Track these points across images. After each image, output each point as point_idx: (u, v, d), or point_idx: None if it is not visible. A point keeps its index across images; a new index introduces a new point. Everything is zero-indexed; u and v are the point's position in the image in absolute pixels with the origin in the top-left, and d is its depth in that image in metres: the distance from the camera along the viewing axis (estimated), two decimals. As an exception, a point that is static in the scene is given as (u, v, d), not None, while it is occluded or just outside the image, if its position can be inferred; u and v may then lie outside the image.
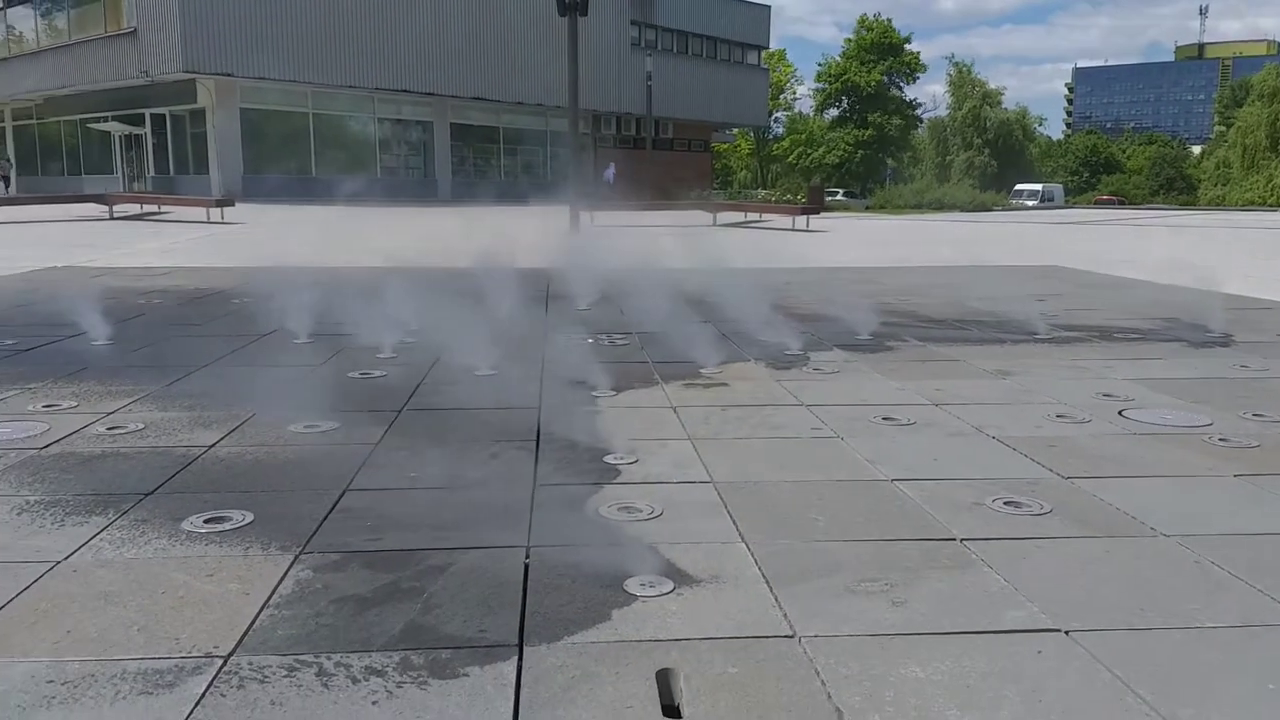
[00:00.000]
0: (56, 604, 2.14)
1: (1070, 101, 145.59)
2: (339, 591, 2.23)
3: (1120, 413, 4.06)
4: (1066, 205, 52.00)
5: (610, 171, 33.06)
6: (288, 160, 31.45)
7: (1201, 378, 4.88)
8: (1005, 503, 2.85)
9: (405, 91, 33.76)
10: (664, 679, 1.86)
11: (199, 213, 20.57)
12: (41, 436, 3.51)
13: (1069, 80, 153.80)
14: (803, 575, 2.33)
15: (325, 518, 2.71)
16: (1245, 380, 4.84)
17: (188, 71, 28.78)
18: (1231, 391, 4.53)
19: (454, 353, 4.80)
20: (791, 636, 2.01)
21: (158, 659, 1.89)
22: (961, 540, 2.56)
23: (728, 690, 1.81)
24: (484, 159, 37.65)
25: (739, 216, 24.71)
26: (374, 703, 1.75)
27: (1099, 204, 57.24)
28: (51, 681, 1.81)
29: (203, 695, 1.77)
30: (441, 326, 5.21)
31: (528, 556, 2.41)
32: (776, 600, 2.18)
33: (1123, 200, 61.88)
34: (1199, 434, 3.70)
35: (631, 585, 2.24)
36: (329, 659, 1.91)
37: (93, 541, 2.51)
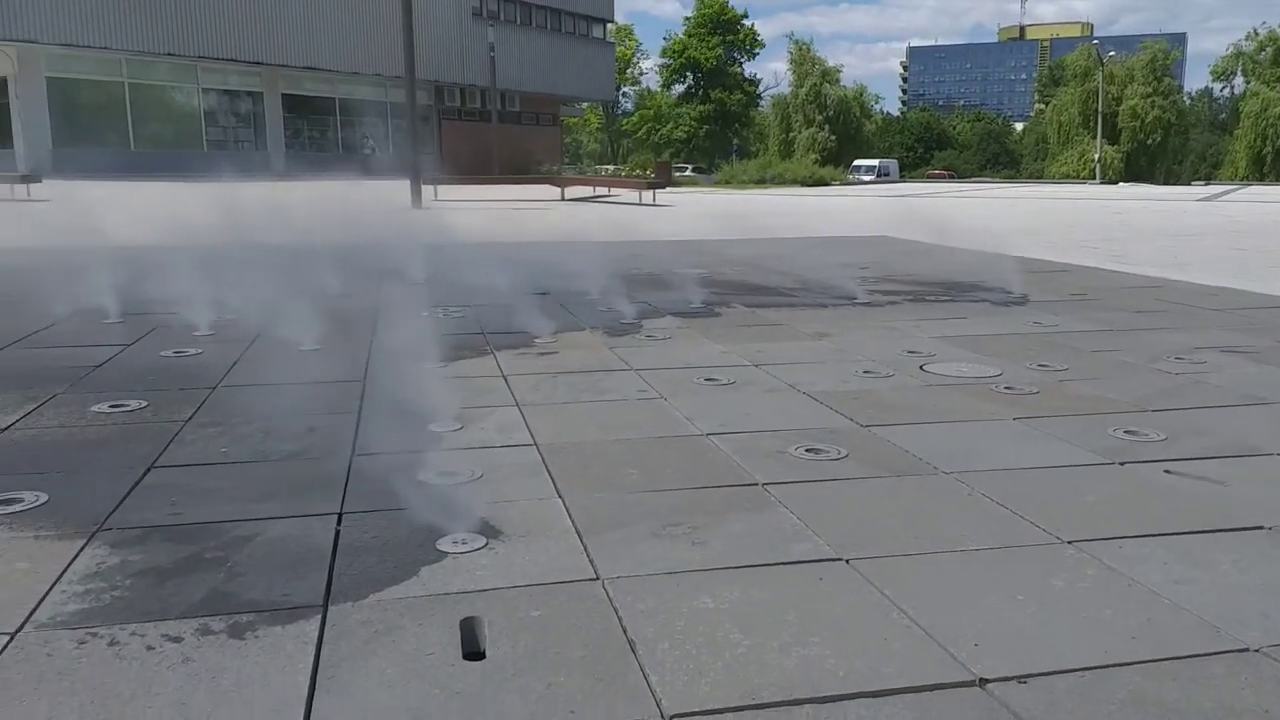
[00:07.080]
0: None
1: (905, 80, 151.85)
2: (137, 566, 2.17)
3: (921, 367, 4.35)
4: (901, 180, 54.48)
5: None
6: (103, 134, 29.41)
7: (998, 334, 5.28)
8: (807, 450, 3.03)
9: (231, 60, 32.05)
10: (468, 626, 1.91)
11: (2, 190, 19.00)
12: None
13: (903, 59, 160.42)
14: (612, 524, 2.43)
15: (126, 496, 2.62)
16: (1036, 335, 5.26)
17: (-15, 38, 26.49)
18: (1022, 345, 4.92)
19: (275, 328, 4.66)
20: (595, 579, 2.11)
21: (-68, 643, 1.81)
22: (763, 485, 2.72)
23: (529, 631, 1.88)
24: (320, 131, 36.20)
25: (588, 191, 24.79)
26: (168, 668, 1.73)
27: (930, 178, 60.28)
28: None
29: (-20, 674, 1.70)
30: (261, 303, 5.05)
31: (339, 523, 2.42)
32: (585, 548, 2.27)
33: (953, 174, 65.35)
34: (988, 383, 4.02)
35: (444, 544, 2.28)
36: (123, 629, 1.87)
37: None
